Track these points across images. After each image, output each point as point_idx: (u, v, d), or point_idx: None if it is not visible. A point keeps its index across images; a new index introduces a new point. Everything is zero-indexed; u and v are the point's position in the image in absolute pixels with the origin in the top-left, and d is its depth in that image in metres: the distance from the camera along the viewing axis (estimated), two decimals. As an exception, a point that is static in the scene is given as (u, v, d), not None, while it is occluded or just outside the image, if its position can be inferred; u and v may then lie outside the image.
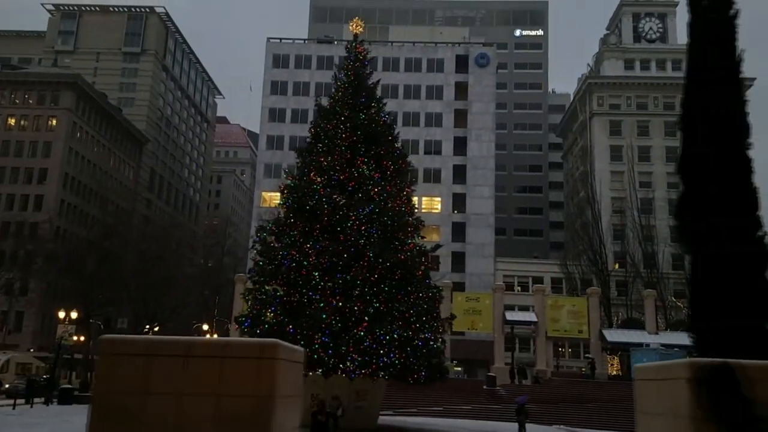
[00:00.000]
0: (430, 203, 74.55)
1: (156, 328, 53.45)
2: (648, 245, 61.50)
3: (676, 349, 44.89)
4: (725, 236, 10.00)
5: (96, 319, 51.59)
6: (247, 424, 5.49)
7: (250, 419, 5.54)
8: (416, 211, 29.79)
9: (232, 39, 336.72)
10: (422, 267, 27.36)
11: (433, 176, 74.73)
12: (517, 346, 64.44)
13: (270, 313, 24.54)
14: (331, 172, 26.78)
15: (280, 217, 26.79)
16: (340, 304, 23.87)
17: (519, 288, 69.56)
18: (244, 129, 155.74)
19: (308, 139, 28.85)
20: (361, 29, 31.13)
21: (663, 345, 45.28)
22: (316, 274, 24.43)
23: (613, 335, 48.32)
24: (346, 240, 24.97)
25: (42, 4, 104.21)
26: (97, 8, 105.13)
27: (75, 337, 58.58)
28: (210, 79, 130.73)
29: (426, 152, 75.38)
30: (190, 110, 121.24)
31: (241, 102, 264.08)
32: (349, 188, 26.63)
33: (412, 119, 76.54)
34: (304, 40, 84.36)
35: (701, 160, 10.20)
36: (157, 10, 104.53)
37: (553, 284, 68.49)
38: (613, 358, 51.75)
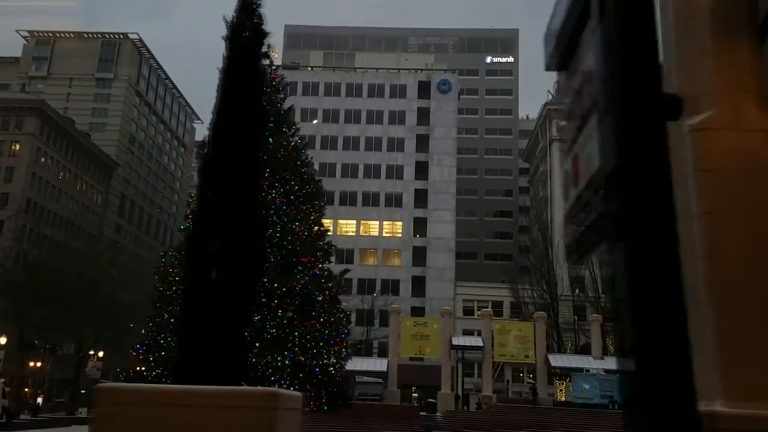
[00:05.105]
0: (392, 227, 74.58)
1: (101, 354, 52.87)
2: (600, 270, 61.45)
3: (618, 374, 44.72)
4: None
5: (39, 343, 51.03)
6: None
7: None
8: (329, 234, 29.84)
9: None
10: (329, 292, 27.34)
11: (395, 200, 74.87)
12: (476, 371, 63.94)
13: (161, 340, 24.34)
14: (235, 197, 26.78)
15: (182, 242, 26.73)
16: (232, 329, 23.73)
17: (480, 313, 69.07)
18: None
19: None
20: (276, 55, 31.54)
21: (606, 370, 45.06)
22: (208, 299, 24.27)
23: (558, 360, 48.05)
24: (241, 265, 24.88)
25: (17, 31, 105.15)
26: (72, 34, 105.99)
27: (33, 363, 58.18)
28: (188, 104, 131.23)
29: (388, 177, 75.64)
30: (166, 135, 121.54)
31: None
32: (253, 213, 26.62)
33: (374, 144, 76.96)
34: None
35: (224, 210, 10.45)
36: (131, 36, 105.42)
37: (512, 309, 68.19)
38: (562, 383, 51.37)
